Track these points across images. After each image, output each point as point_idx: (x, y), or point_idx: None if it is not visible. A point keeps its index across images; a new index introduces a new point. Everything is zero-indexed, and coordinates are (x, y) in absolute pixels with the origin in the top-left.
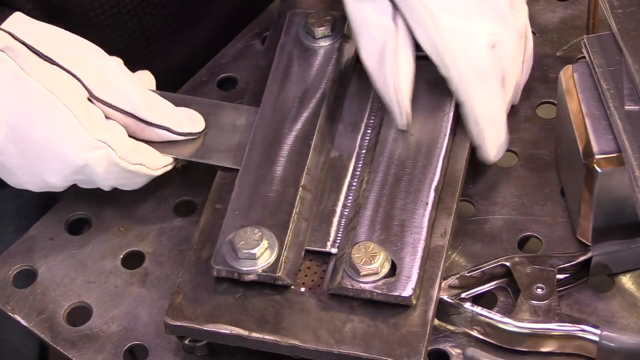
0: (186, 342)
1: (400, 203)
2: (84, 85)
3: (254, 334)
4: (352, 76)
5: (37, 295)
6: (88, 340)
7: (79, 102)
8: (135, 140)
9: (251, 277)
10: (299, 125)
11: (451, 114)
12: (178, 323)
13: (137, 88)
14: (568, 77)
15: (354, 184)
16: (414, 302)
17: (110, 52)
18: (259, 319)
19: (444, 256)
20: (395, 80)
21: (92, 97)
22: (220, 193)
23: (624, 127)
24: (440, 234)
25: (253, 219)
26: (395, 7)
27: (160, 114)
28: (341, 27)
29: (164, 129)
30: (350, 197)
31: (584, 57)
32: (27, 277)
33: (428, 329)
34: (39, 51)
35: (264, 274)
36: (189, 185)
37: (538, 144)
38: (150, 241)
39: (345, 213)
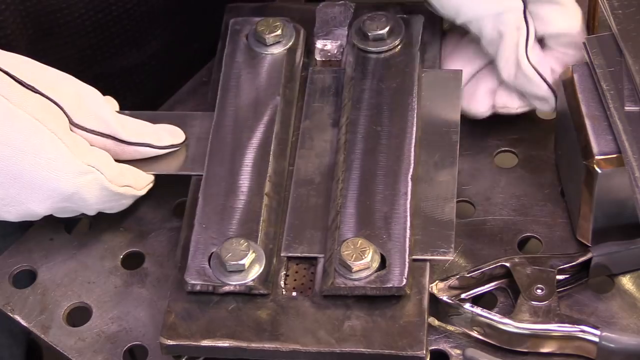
0: None
1: (379, 196)
2: (65, 113)
3: (254, 344)
4: (312, 78)
5: (37, 296)
6: (88, 341)
7: (64, 129)
8: (119, 163)
9: (226, 289)
10: (256, 134)
11: (415, 104)
12: (174, 342)
13: (113, 111)
14: (568, 77)
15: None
16: (407, 291)
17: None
18: (255, 328)
19: None
20: (539, 79)
21: (72, 124)
22: (195, 208)
23: (624, 128)
24: None
25: (221, 230)
26: None
27: (139, 133)
28: (290, 32)
29: (145, 146)
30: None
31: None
32: (27, 277)
33: (425, 317)
34: (20, 80)
35: (239, 283)
36: (188, 185)
37: (538, 144)
38: (150, 241)
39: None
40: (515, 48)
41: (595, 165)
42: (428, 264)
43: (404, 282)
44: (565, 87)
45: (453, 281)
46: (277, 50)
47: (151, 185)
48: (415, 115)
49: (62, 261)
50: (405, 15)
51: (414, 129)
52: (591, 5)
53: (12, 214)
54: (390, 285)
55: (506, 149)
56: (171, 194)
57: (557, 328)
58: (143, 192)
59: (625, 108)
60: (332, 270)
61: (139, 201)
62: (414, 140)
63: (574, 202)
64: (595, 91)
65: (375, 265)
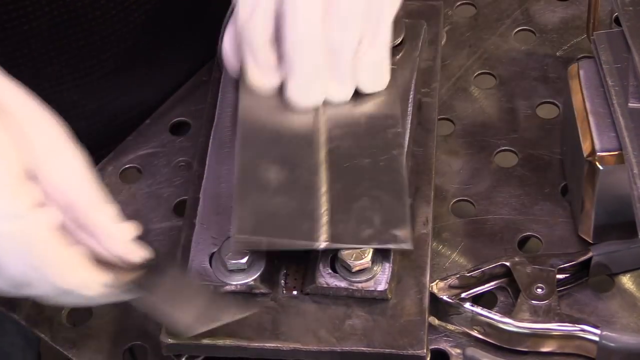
0: None
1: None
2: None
3: (254, 343)
4: None
5: None
6: (88, 340)
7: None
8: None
9: (227, 288)
10: None
11: (410, 107)
12: (175, 341)
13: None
14: (574, 74)
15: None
16: (389, 296)
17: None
18: (256, 328)
19: (429, 244)
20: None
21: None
22: (195, 208)
23: (626, 125)
24: (422, 222)
25: (221, 230)
26: None
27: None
28: None
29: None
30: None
31: (584, 57)
32: None
33: (426, 316)
34: None
35: (240, 283)
36: (188, 185)
37: (538, 144)
38: (150, 241)
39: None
40: None
41: (597, 162)
42: (428, 263)
43: (386, 287)
44: (570, 82)
45: (453, 280)
46: None
47: (111, 294)
48: (409, 122)
49: None
50: (407, 20)
51: (407, 135)
52: (591, 4)
53: None
54: (372, 289)
55: (506, 148)
56: (171, 194)
57: (557, 327)
58: (90, 292)
59: (629, 105)
60: (319, 270)
61: (139, 201)
62: (406, 141)
63: (577, 198)
64: (600, 88)
65: (377, 267)
